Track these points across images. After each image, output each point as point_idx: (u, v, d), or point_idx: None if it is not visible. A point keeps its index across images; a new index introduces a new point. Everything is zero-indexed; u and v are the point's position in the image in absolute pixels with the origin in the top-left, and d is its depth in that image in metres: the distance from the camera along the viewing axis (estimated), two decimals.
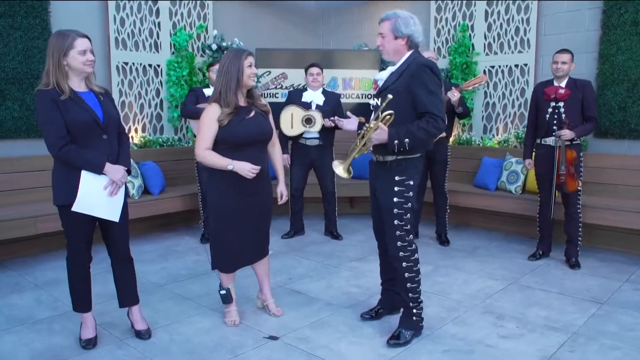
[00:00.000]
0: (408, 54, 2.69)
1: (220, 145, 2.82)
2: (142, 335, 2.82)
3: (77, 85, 2.57)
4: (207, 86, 4.76)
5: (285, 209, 4.97)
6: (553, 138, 4.00)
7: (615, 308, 3.28)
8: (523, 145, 4.45)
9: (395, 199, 2.69)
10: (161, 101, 5.66)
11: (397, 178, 2.68)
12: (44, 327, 2.99)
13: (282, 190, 3.10)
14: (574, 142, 4.00)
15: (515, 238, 5.04)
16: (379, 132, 2.58)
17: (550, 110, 4.04)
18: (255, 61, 2.92)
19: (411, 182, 2.70)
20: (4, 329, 2.96)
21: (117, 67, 5.26)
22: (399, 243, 2.72)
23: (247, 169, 2.76)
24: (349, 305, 3.33)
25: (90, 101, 2.58)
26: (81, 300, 2.73)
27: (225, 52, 2.91)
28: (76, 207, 2.51)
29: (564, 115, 3.97)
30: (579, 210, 4.10)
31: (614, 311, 3.24)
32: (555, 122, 4.01)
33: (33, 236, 4.21)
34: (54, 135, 2.45)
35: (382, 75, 2.79)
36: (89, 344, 2.71)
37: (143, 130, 5.53)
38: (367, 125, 2.65)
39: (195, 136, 4.69)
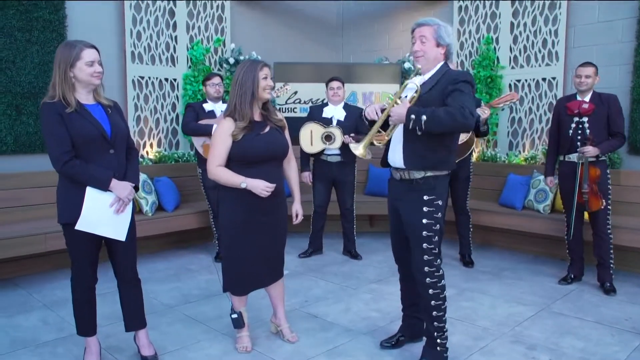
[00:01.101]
0: (439, 65, 2.55)
1: (233, 161, 2.68)
2: None
3: (85, 97, 2.47)
4: (205, 101, 4.62)
5: (304, 227, 4.81)
6: (577, 154, 3.80)
7: None
8: (545, 163, 4.24)
9: (424, 221, 2.50)
10: (177, 116, 5.57)
11: (425, 197, 2.50)
12: (47, 350, 2.86)
13: (297, 209, 2.93)
14: (599, 159, 3.79)
15: (544, 260, 4.77)
16: (398, 106, 2.44)
17: (573, 125, 3.85)
18: (272, 74, 2.79)
19: (440, 202, 2.52)
20: (7, 352, 2.83)
21: (133, 81, 5.19)
22: (426, 268, 2.52)
23: (261, 187, 2.61)
24: (368, 332, 3.13)
25: (97, 114, 2.47)
26: (85, 324, 2.59)
27: (240, 63, 2.79)
28: (80, 226, 2.39)
29: (588, 131, 3.78)
30: (609, 231, 3.85)
31: None
32: (579, 137, 3.82)
33: (44, 253, 4.11)
34: (58, 149, 2.34)
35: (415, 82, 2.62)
36: None
37: (158, 145, 5.44)
38: (389, 99, 2.51)
39: (197, 153, 4.54)
